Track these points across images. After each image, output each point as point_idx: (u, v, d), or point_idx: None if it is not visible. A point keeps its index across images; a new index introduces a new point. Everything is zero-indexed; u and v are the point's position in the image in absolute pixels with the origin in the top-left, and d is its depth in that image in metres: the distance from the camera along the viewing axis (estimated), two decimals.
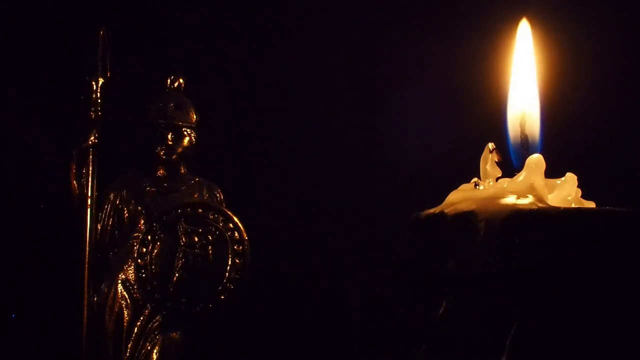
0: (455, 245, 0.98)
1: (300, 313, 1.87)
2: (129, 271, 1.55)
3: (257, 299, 1.72)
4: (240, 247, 1.55)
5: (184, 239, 1.55)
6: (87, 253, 1.51)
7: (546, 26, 1.25)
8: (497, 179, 1.07)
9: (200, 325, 1.57)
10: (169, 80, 1.65)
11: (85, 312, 1.49)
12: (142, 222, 1.58)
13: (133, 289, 1.55)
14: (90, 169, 1.53)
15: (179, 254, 1.54)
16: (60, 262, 1.66)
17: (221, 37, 1.94)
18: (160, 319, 1.54)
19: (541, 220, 0.95)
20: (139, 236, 1.56)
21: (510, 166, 1.09)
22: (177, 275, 1.53)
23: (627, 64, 1.80)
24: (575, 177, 1.05)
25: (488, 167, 1.07)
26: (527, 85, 1.15)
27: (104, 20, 1.61)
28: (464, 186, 1.06)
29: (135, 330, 1.53)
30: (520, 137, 1.11)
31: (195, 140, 1.63)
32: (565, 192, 1.04)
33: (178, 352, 1.55)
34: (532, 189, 0.99)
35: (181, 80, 1.65)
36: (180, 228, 1.55)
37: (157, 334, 1.54)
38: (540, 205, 0.97)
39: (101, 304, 1.53)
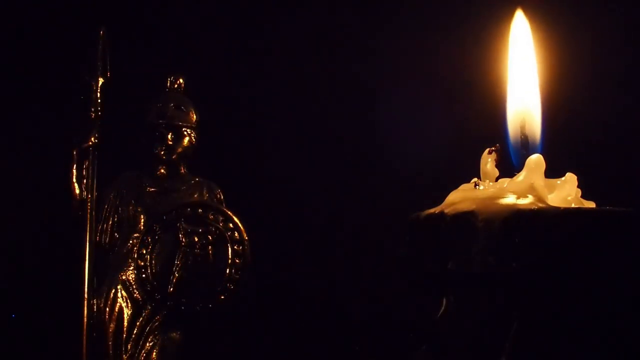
0: (455, 245, 0.98)
1: (300, 313, 1.87)
2: (129, 271, 1.55)
3: (256, 298, 1.72)
4: (240, 247, 1.55)
5: (184, 239, 1.55)
6: (87, 253, 1.51)
7: (542, 19, 1.24)
8: (497, 179, 1.07)
9: (200, 325, 1.57)
10: (169, 80, 1.65)
11: (85, 312, 1.50)
12: (142, 222, 1.58)
13: (133, 289, 1.55)
14: (90, 169, 1.54)
15: (179, 254, 1.54)
16: (61, 263, 1.66)
17: (221, 37, 1.94)
18: (160, 319, 1.54)
19: (541, 220, 0.95)
20: (139, 236, 1.56)
21: (510, 166, 1.09)
22: (177, 275, 1.54)
23: (628, 62, 1.80)
24: (575, 177, 1.05)
25: (488, 167, 1.07)
26: (527, 83, 1.14)
27: (104, 20, 1.61)
28: (464, 186, 1.06)
29: (135, 330, 1.53)
30: (520, 137, 1.11)
31: (195, 140, 1.63)
32: (565, 192, 1.03)
33: (178, 352, 1.55)
34: (532, 189, 0.99)
35: (181, 80, 1.65)
36: (180, 228, 1.55)
37: (157, 334, 1.54)
38: (540, 205, 0.97)
39: (101, 304, 1.53)
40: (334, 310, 1.87)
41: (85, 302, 1.50)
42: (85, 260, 1.51)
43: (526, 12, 1.18)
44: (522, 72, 1.15)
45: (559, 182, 1.04)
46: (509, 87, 1.15)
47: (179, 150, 1.61)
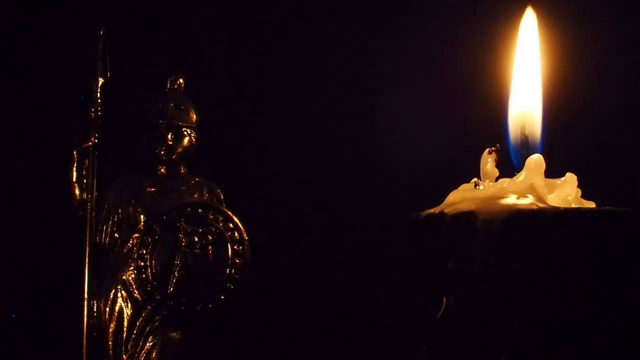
0: (455, 245, 0.98)
1: (299, 313, 1.87)
2: (129, 271, 1.55)
3: (257, 298, 1.72)
4: (240, 247, 1.55)
5: (183, 239, 1.55)
6: (87, 253, 1.51)
7: (550, 19, 1.24)
8: (497, 179, 1.07)
9: (200, 325, 1.57)
10: (169, 80, 1.65)
11: (85, 312, 1.49)
12: (142, 222, 1.58)
13: (133, 289, 1.55)
14: (90, 169, 1.54)
15: (179, 254, 1.54)
16: (61, 263, 1.66)
17: (221, 37, 1.94)
18: (160, 319, 1.54)
19: (541, 220, 0.95)
20: (139, 236, 1.56)
21: (510, 166, 1.09)
22: (177, 275, 1.54)
23: (629, 62, 1.80)
24: (575, 177, 1.05)
25: (488, 167, 1.07)
26: (530, 83, 1.14)
27: (104, 20, 1.61)
28: (464, 186, 1.06)
29: (135, 330, 1.53)
30: (520, 137, 1.11)
31: (195, 140, 1.63)
32: (565, 192, 1.03)
33: (178, 352, 1.55)
34: (532, 189, 0.99)
35: (181, 80, 1.65)
36: (180, 228, 1.55)
37: (157, 334, 1.54)
38: (540, 205, 0.97)
39: (101, 304, 1.53)
40: (334, 310, 1.87)
41: (85, 302, 1.50)
42: (85, 260, 1.51)
43: (536, 10, 1.18)
44: (527, 71, 1.15)
45: (559, 182, 1.04)
46: (513, 86, 1.15)
47: (179, 150, 1.61)
